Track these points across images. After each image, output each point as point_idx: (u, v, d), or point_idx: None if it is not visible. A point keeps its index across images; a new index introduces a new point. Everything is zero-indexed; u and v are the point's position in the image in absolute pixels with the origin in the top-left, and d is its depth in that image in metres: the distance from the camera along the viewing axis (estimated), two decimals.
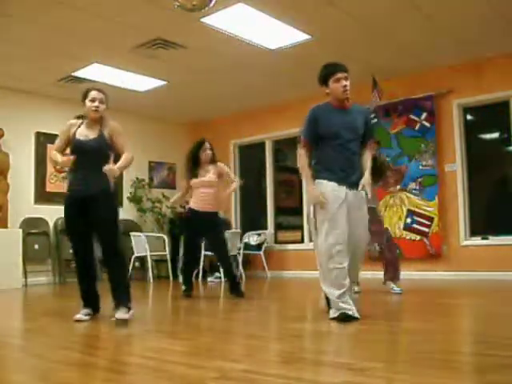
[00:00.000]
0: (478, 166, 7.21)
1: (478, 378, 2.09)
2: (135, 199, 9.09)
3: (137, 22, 5.72)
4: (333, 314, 3.44)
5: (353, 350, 2.75)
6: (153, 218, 9.27)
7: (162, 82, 7.75)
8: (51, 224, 8.03)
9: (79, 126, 3.81)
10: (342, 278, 3.39)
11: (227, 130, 9.59)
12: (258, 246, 8.45)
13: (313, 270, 5.94)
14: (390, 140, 7.68)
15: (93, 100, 3.77)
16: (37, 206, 7.90)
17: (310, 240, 7.73)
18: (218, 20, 5.66)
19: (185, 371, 2.21)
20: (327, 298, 3.54)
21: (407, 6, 5.46)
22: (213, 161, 5.54)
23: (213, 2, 4.24)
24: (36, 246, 7.74)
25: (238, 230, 8.71)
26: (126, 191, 9.11)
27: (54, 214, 7.78)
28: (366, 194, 3.58)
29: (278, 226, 9.10)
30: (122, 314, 3.62)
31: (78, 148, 3.72)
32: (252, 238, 8.51)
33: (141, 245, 8.10)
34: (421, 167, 7.38)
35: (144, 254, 8.19)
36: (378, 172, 5.24)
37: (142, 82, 7.72)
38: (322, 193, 3.47)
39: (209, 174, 5.45)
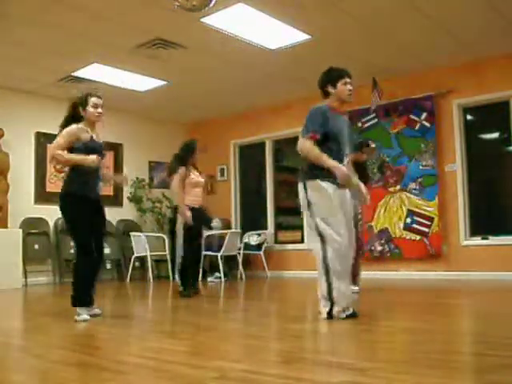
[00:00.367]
0: (478, 166, 7.21)
1: (478, 377, 2.09)
2: (135, 199, 9.09)
3: (137, 22, 5.72)
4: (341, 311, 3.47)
5: (353, 350, 2.75)
6: (153, 218, 9.27)
7: (162, 82, 7.75)
8: (51, 224, 8.03)
9: (87, 130, 3.91)
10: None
11: (227, 130, 9.59)
12: (258, 246, 8.45)
13: (313, 270, 5.92)
14: (390, 140, 7.68)
15: (95, 106, 3.92)
16: (37, 206, 7.90)
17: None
18: (218, 20, 5.66)
19: (185, 371, 2.21)
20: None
21: (407, 6, 5.46)
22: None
23: (213, 2, 4.25)
24: (36, 246, 7.74)
25: (238, 230, 8.71)
26: (126, 191, 9.11)
27: (53, 214, 7.76)
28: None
29: (278, 226, 9.10)
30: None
31: (94, 150, 3.84)
32: (252, 238, 8.51)
33: (141, 245, 8.10)
34: (421, 167, 7.38)
35: (144, 254, 8.19)
36: (366, 176, 5.41)
37: (142, 82, 7.72)
38: (328, 193, 3.48)
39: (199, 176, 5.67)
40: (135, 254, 8.22)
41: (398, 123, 7.61)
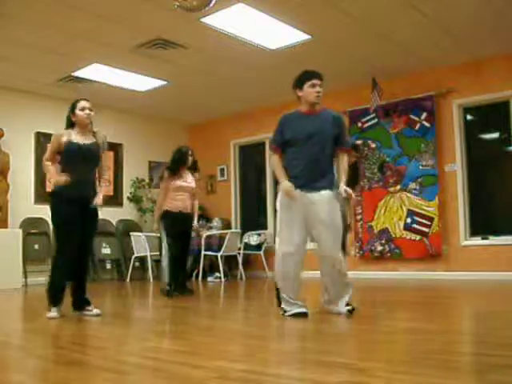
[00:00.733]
0: (478, 165, 7.21)
1: (478, 377, 2.09)
2: (135, 199, 9.09)
3: (137, 22, 5.72)
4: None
5: (353, 350, 2.75)
6: (153, 218, 9.26)
7: (162, 82, 7.75)
8: (51, 224, 8.01)
9: (69, 135, 4.03)
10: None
11: (227, 130, 9.59)
12: (258, 246, 8.45)
13: (312, 270, 5.94)
14: (390, 140, 7.68)
15: (83, 109, 4.07)
16: (37, 206, 7.90)
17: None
18: (218, 20, 5.66)
19: (185, 371, 2.21)
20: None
21: (407, 6, 5.46)
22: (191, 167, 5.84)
23: (213, 2, 4.25)
24: (36, 246, 7.74)
25: (238, 230, 8.71)
26: (126, 191, 9.11)
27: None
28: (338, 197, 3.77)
29: None
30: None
31: (72, 151, 3.95)
32: (252, 238, 8.51)
33: (141, 245, 8.10)
34: (421, 167, 7.38)
35: (144, 254, 8.18)
36: (355, 179, 5.39)
37: (142, 82, 7.72)
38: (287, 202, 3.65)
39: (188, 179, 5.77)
40: (135, 254, 8.23)
41: (398, 123, 7.61)
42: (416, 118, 7.46)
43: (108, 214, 8.78)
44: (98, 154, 4.11)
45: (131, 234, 8.30)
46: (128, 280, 8.13)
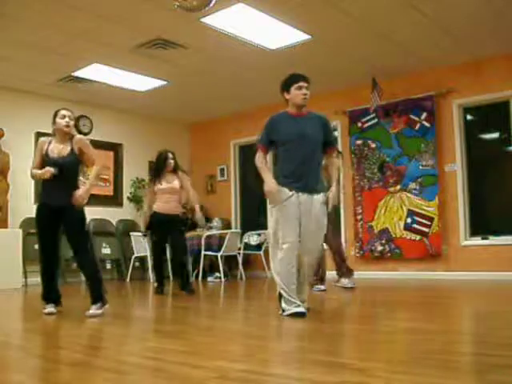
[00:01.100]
0: (478, 165, 7.21)
1: (478, 377, 2.09)
2: (135, 199, 9.09)
3: (137, 22, 5.72)
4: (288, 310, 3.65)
5: (353, 350, 2.75)
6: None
7: (162, 82, 7.75)
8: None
9: (50, 143, 4.14)
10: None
11: (227, 130, 9.59)
12: (258, 246, 8.45)
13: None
14: (390, 140, 7.68)
15: (63, 117, 4.14)
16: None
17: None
18: (218, 20, 5.66)
19: (185, 371, 2.21)
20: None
21: (407, 6, 5.46)
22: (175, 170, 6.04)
23: (213, 2, 4.25)
24: (36, 246, 7.68)
25: (238, 230, 8.71)
26: (126, 191, 9.11)
27: None
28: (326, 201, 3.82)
29: None
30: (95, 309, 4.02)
31: (51, 165, 4.04)
32: (252, 238, 8.51)
33: (141, 245, 8.09)
34: (421, 167, 7.38)
35: (144, 254, 8.18)
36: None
37: (142, 82, 7.72)
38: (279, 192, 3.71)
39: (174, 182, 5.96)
40: (135, 254, 8.22)
41: (398, 123, 7.61)
42: (416, 118, 7.46)
43: (108, 214, 8.79)
44: (74, 165, 4.16)
45: (131, 234, 8.30)
46: (128, 280, 8.13)
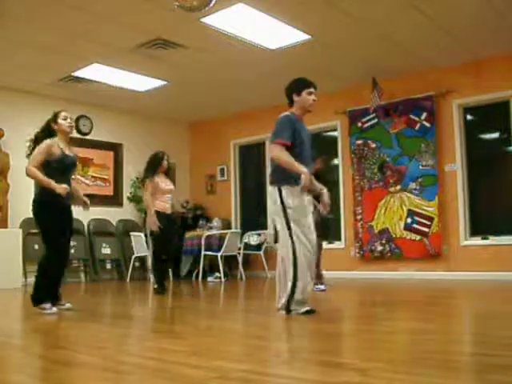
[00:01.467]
0: (478, 165, 7.21)
1: (478, 377, 2.09)
2: (135, 199, 9.09)
3: (137, 22, 5.72)
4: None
5: (353, 350, 2.75)
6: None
7: (162, 82, 7.75)
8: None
9: (58, 145, 4.21)
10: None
11: (227, 130, 9.59)
12: (258, 246, 8.45)
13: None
14: (390, 140, 7.68)
15: (65, 118, 4.28)
16: None
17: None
18: (218, 20, 5.66)
19: (185, 371, 2.21)
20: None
21: (407, 6, 5.46)
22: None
23: (213, 2, 4.25)
24: (36, 246, 7.72)
25: (238, 230, 8.71)
26: (126, 191, 9.11)
27: None
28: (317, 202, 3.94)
29: None
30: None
31: (64, 163, 4.18)
32: (252, 238, 8.51)
33: (141, 245, 8.09)
34: (421, 167, 7.38)
35: (144, 254, 8.18)
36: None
37: (142, 82, 7.72)
38: (303, 198, 3.72)
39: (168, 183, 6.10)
40: (135, 254, 8.22)
41: (398, 123, 7.61)
42: (416, 118, 7.46)
43: (108, 214, 8.79)
44: (76, 165, 4.44)
45: (131, 234, 8.30)
46: (128, 280, 8.13)
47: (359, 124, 7.97)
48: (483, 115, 7.32)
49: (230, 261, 8.59)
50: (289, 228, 3.66)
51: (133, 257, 8.22)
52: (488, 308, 4.31)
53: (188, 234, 8.59)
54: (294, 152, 3.73)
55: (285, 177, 3.69)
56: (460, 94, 7.19)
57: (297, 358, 2.47)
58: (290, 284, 3.66)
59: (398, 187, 7.56)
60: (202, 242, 8.02)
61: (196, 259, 8.32)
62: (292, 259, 3.64)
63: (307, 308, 3.71)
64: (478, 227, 7.12)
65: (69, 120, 4.30)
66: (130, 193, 9.09)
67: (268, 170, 9.11)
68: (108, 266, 8.65)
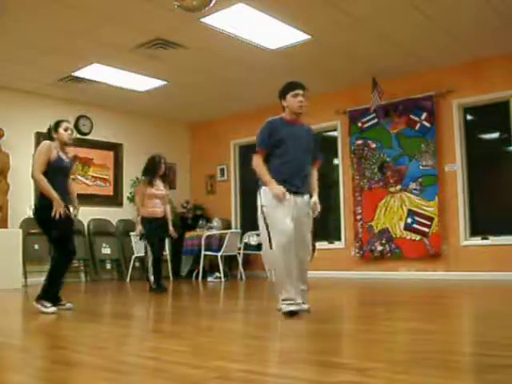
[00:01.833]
0: (478, 165, 7.21)
1: (478, 377, 2.09)
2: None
3: (137, 22, 5.72)
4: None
5: (353, 350, 2.75)
6: None
7: (162, 82, 7.75)
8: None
9: (56, 149, 4.31)
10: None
11: (227, 130, 9.59)
12: (258, 246, 8.43)
13: (312, 270, 5.91)
14: (390, 140, 7.68)
15: (66, 129, 4.38)
16: None
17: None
18: (218, 20, 5.66)
19: (185, 371, 2.21)
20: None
21: (407, 6, 5.46)
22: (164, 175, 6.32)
23: (213, 2, 4.24)
24: (36, 246, 7.74)
25: (238, 230, 8.70)
26: (126, 191, 9.11)
27: None
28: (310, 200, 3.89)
29: None
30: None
31: (60, 166, 4.28)
32: (252, 238, 8.50)
33: (141, 245, 8.08)
34: (421, 167, 7.38)
35: (143, 254, 8.16)
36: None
37: (142, 82, 7.72)
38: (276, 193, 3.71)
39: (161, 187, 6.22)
40: (135, 254, 8.22)
41: (398, 123, 7.61)
42: (416, 118, 7.46)
43: (108, 214, 8.79)
44: (72, 169, 4.57)
45: (131, 234, 8.29)
46: (128, 280, 8.13)
47: (359, 124, 7.97)
48: (483, 115, 7.32)
49: (230, 261, 8.59)
50: (267, 227, 3.73)
51: (133, 257, 8.22)
52: (488, 308, 4.31)
53: (188, 234, 8.59)
54: (275, 153, 3.78)
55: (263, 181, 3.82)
56: (460, 94, 7.19)
57: (296, 357, 2.47)
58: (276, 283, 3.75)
59: (398, 187, 7.56)
60: (202, 242, 8.02)
61: (196, 259, 8.32)
62: (271, 260, 3.73)
63: (291, 308, 3.61)
64: (478, 227, 7.12)
65: (69, 132, 4.40)
66: (130, 193, 9.08)
67: None
68: (108, 266, 8.64)
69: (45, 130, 7.96)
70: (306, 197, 3.86)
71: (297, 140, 3.83)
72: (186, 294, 6.61)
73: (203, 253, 7.97)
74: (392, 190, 7.61)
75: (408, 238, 7.42)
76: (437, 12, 5.62)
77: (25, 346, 3.09)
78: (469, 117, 7.37)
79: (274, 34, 6.12)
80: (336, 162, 8.42)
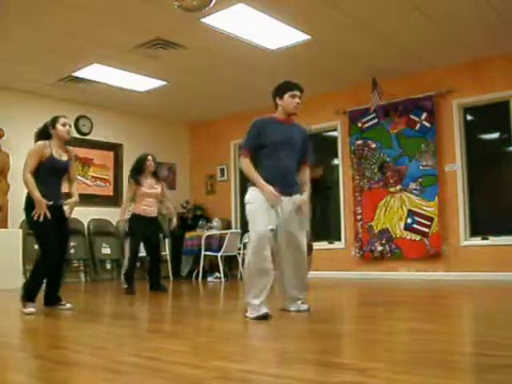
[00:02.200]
0: (478, 166, 7.21)
1: (478, 377, 2.09)
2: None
3: (137, 22, 5.72)
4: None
5: (353, 350, 2.75)
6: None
7: (162, 82, 7.75)
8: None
9: (50, 147, 4.28)
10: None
11: (227, 130, 9.59)
12: None
13: (312, 271, 5.92)
14: (390, 140, 7.68)
15: (64, 124, 4.36)
16: None
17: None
18: (218, 20, 5.66)
19: (185, 371, 2.20)
20: None
21: (407, 6, 5.46)
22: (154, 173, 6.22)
23: (213, 2, 4.25)
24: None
25: (238, 230, 8.70)
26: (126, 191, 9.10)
27: None
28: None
29: None
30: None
31: (53, 166, 4.25)
32: None
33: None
34: (421, 167, 7.38)
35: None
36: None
37: (142, 82, 7.73)
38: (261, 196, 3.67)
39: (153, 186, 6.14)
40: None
41: (398, 123, 7.61)
42: (416, 118, 7.46)
43: (108, 214, 8.78)
44: (68, 169, 4.46)
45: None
46: None
47: (359, 124, 7.97)
48: (483, 115, 7.32)
49: (230, 261, 8.59)
50: (248, 225, 3.69)
51: None
52: (488, 308, 4.31)
53: (188, 234, 8.59)
54: (262, 154, 3.75)
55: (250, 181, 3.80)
56: (460, 94, 7.19)
57: (296, 358, 2.47)
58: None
59: (398, 187, 7.56)
60: (202, 242, 8.02)
61: (196, 259, 8.31)
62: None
63: (256, 314, 3.54)
64: (478, 227, 7.12)
65: (67, 127, 4.38)
66: None
67: None
68: (108, 266, 8.64)
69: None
70: (295, 197, 3.81)
71: (287, 140, 3.79)
72: (185, 294, 6.61)
73: (203, 253, 7.97)
74: (392, 190, 7.62)
75: (408, 238, 7.42)
76: (437, 12, 5.62)
77: (25, 345, 3.09)
78: (469, 117, 7.37)
79: (274, 34, 6.12)
80: (336, 162, 8.42)
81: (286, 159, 3.77)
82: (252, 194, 3.74)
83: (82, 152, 8.57)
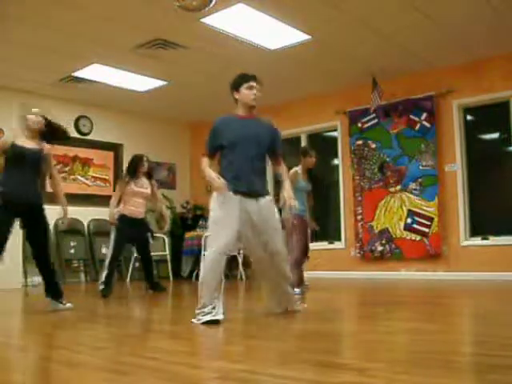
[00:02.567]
0: (478, 166, 7.21)
1: (478, 377, 2.09)
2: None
3: (137, 22, 5.72)
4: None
5: (353, 350, 2.75)
6: (152, 218, 9.25)
7: (162, 82, 7.75)
8: (51, 224, 8.00)
9: (18, 137, 4.20)
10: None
11: None
12: None
13: (312, 271, 5.93)
14: (390, 140, 7.68)
15: (35, 114, 4.25)
16: None
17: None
18: (218, 20, 5.66)
19: (185, 371, 2.20)
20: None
21: (407, 6, 5.46)
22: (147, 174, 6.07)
23: (213, 2, 4.25)
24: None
25: None
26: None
27: (53, 214, 7.76)
28: (278, 204, 3.71)
29: None
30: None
31: (14, 154, 4.10)
32: None
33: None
34: (421, 167, 7.38)
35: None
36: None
37: (142, 82, 7.73)
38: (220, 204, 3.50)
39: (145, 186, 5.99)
40: (135, 254, 8.20)
41: (398, 123, 7.61)
42: (416, 118, 7.46)
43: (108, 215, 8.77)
44: (39, 161, 4.23)
45: None
46: (128, 280, 8.12)
47: (359, 124, 7.97)
48: (483, 115, 7.32)
49: (230, 261, 8.57)
50: (210, 228, 3.56)
51: (133, 257, 8.21)
52: (488, 308, 4.31)
53: (188, 234, 8.59)
54: (222, 154, 3.60)
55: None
56: (460, 94, 7.19)
57: (296, 358, 2.47)
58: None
59: (398, 187, 7.56)
60: (202, 242, 8.00)
61: (196, 259, 8.30)
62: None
63: (207, 318, 3.34)
64: (478, 227, 7.12)
65: (39, 117, 4.25)
66: None
67: (267, 170, 9.14)
68: None
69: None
70: (264, 199, 3.57)
71: (248, 136, 3.58)
72: (185, 294, 6.61)
73: (203, 253, 7.95)
74: (392, 190, 7.62)
75: (408, 238, 7.42)
76: (437, 12, 5.62)
77: (25, 345, 3.08)
78: (469, 117, 7.37)
79: (274, 34, 6.12)
80: (336, 162, 8.42)
81: (249, 156, 3.55)
82: (214, 200, 3.53)
83: (81, 152, 8.57)
